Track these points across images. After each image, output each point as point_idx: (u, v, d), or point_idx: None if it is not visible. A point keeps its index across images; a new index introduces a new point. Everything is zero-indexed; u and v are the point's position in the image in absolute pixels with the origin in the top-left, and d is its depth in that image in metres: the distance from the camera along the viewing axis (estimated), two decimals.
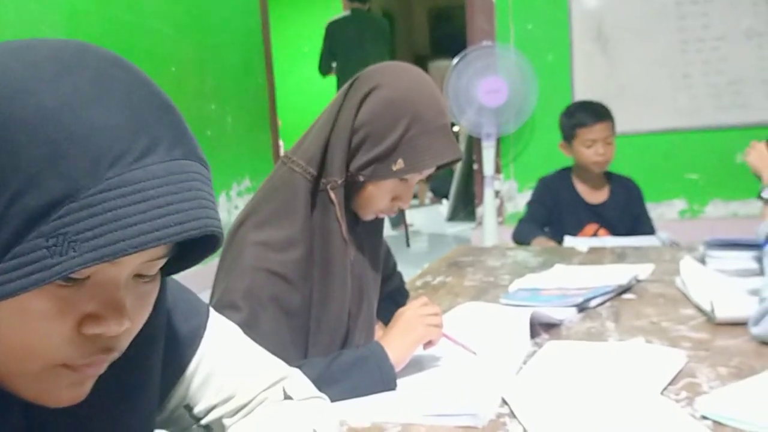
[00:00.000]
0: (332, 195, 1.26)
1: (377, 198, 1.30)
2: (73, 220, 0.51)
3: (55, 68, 0.55)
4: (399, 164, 1.25)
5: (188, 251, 0.65)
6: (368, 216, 1.34)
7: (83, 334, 0.58)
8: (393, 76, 1.29)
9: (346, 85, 1.32)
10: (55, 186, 0.51)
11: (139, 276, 0.61)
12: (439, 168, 1.32)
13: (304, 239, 1.26)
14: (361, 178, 1.27)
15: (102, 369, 0.62)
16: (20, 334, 0.56)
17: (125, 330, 0.59)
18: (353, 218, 1.34)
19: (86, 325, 0.58)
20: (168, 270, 0.66)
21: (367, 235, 1.38)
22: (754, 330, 1.34)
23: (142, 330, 0.65)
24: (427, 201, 8.89)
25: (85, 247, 0.51)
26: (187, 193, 0.56)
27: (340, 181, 1.26)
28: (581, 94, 4.56)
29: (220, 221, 0.59)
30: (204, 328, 0.81)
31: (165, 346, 0.74)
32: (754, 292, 1.53)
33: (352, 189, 1.29)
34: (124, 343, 0.63)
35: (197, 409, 0.81)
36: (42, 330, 0.56)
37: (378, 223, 1.41)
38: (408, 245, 1.54)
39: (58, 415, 0.63)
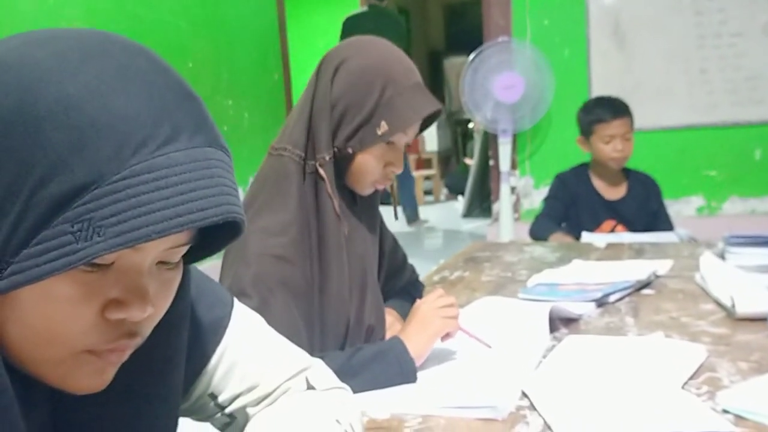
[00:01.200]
0: (322, 172, 1.27)
1: (369, 166, 1.31)
2: (98, 206, 0.52)
3: (78, 57, 0.56)
4: (383, 127, 1.27)
5: (210, 238, 0.66)
6: (366, 189, 1.35)
7: (107, 319, 0.59)
8: (358, 48, 1.32)
9: (316, 67, 1.34)
10: (79, 172, 0.52)
11: (162, 263, 0.62)
12: (423, 128, 1.36)
13: (299, 219, 1.27)
14: (350, 150, 1.28)
15: (124, 357, 0.63)
16: (45, 319, 0.57)
17: (148, 316, 0.60)
18: (349, 197, 1.34)
19: (110, 310, 0.59)
20: (190, 258, 0.67)
21: (363, 213, 1.38)
22: None
23: (166, 317, 0.66)
24: (442, 197, 8.89)
25: (109, 232, 0.52)
26: (209, 180, 0.56)
27: (328, 158, 1.28)
28: (598, 89, 4.54)
29: (241, 208, 0.60)
30: (229, 317, 0.82)
31: (190, 335, 0.75)
32: None
33: (343, 165, 1.30)
34: (147, 329, 0.64)
35: (222, 398, 0.81)
36: (67, 315, 0.57)
37: (373, 198, 1.41)
38: (396, 218, 1.54)
39: (84, 401, 0.64)
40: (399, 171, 1.35)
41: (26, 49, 0.56)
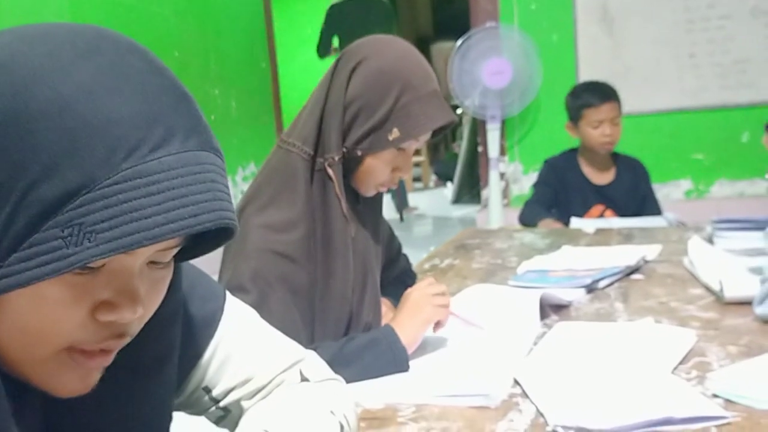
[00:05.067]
0: (330, 172, 1.27)
1: (377, 170, 1.30)
2: (89, 210, 0.52)
3: (71, 56, 0.55)
4: (395, 133, 1.26)
5: (202, 239, 0.66)
6: (370, 191, 1.35)
7: (97, 320, 0.59)
8: (378, 48, 1.30)
9: (333, 62, 1.33)
10: (71, 176, 0.52)
11: (152, 263, 0.62)
12: (435, 135, 1.34)
13: (305, 218, 1.27)
14: (359, 152, 1.28)
15: (110, 359, 0.63)
16: (34, 320, 0.57)
17: (138, 316, 0.60)
18: (354, 196, 1.34)
19: (101, 312, 0.58)
20: (181, 256, 0.67)
21: (367, 211, 1.39)
22: (758, 310, 1.34)
23: (158, 314, 0.66)
24: (431, 184, 8.89)
25: (100, 238, 0.51)
26: (202, 185, 0.56)
27: (337, 158, 1.27)
28: (586, 74, 4.54)
29: (234, 212, 0.60)
30: (221, 311, 0.82)
31: (183, 330, 0.75)
32: (756, 271, 1.53)
33: (350, 165, 1.30)
34: (136, 329, 0.63)
35: (216, 392, 0.81)
36: (56, 316, 0.57)
37: (377, 199, 1.42)
38: (402, 219, 1.55)
39: (78, 401, 0.64)
40: (406, 176, 1.35)
41: (18, 47, 0.55)
